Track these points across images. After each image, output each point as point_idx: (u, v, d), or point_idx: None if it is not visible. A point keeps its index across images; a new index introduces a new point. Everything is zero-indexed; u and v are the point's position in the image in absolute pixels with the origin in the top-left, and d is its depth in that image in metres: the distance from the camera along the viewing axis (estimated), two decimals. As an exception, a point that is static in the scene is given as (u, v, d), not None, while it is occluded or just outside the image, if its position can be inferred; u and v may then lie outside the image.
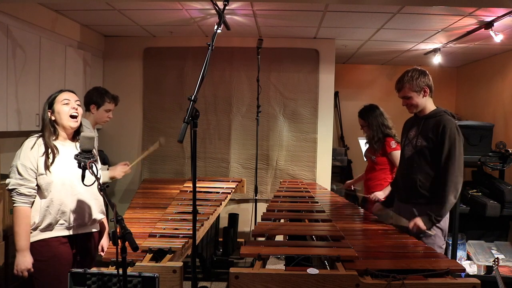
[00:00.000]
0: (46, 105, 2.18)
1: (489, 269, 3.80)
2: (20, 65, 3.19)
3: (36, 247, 2.11)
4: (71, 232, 2.19)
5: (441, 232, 2.52)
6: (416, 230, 2.45)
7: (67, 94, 2.21)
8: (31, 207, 2.11)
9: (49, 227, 2.13)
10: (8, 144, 3.37)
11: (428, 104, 2.61)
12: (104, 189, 1.70)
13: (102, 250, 2.36)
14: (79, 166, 1.82)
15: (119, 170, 3.08)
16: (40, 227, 2.11)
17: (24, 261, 2.06)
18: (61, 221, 2.14)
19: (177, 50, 4.73)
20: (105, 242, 2.39)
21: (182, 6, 3.46)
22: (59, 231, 2.16)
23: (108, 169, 3.13)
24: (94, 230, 2.33)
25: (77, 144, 2.18)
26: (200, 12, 3.63)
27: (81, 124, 2.25)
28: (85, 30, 4.25)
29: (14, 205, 2.08)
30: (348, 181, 4.06)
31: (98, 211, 2.29)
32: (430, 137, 2.51)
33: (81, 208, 2.19)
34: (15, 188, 2.06)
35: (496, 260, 3.34)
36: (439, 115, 2.54)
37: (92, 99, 3.07)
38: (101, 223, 2.39)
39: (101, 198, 2.31)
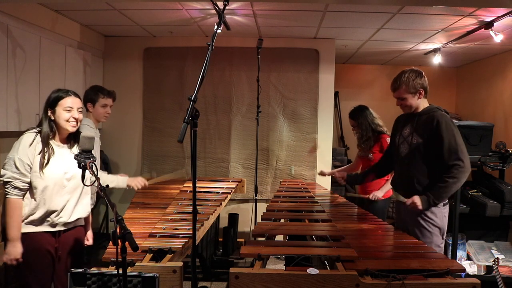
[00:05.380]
0: (48, 104, 2.18)
1: (489, 269, 3.80)
2: (20, 65, 3.19)
3: None
4: (54, 229, 2.22)
5: (438, 231, 2.52)
6: (412, 207, 2.48)
7: (72, 100, 2.19)
8: (23, 199, 2.15)
9: (34, 222, 2.17)
10: (8, 144, 3.36)
11: (423, 103, 2.63)
12: (104, 189, 1.70)
13: (88, 240, 2.49)
14: (79, 166, 1.82)
15: (137, 181, 3.02)
16: (25, 221, 2.16)
17: (14, 250, 2.11)
18: (47, 218, 2.18)
19: (177, 50, 4.73)
20: (89, 232, 2.51)
21: (182, 6, 3.46)
22: (43, 227, 2.19)
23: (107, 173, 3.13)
24: (78, 225, 2.36)
25: (71, 146, 2.27)
26: (200, 12, 3.63)
27: (78, 128, 2.27)
28: (85, 30, 4.25)
29: (7, 196, 2.11)
30: (323, 170, 3.91)
31: (84, 210, 2.35)
32: (426, 133, 2.52)
33: (68, 208, 2.24)
34: (11, 181, 2.10)
35: (496, 260, 3.34)
36: (432, 112, 2.55)
37: (87, 97, 3.08)
38: (85, 218, 2.44)
39: (89, 196, 2.40)
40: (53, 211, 2.18)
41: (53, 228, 2.22)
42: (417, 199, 2.46)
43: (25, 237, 2.16)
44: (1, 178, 2.13)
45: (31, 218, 2.16)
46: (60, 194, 2.19)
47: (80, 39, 4.15)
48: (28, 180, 2.13)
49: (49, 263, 2.19)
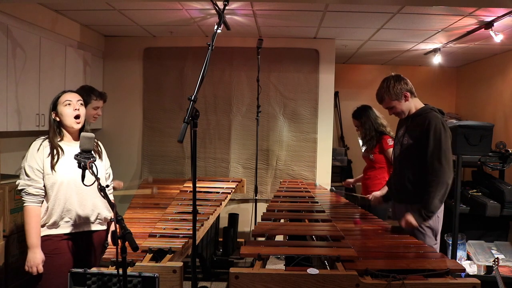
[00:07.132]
0: (50, 107, 2.25)
1: (489, 269, 3.80)
2: (20, 65, 3.19)
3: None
4: (75, 230, 2.24)
5: (431, 232, 2.50)
6: (407, 227, 2.45)
7: (69, 94, 2.27)
8: (41, 206, 2.19)
9: (55, 224, 2.19)
10: (8, 144, 3.37)
11: (416, 103, 2.62)
12: (104, 189, 1.70)
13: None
14: (79, 166, 1.82)
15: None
16: (47, 225, 2.19)
17: (34, 257, 2.13)
18: (66, 219, 2.20)
19: (177, 50, 4.73)
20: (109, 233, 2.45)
21: (182, 6, 3.46)
22: (64, 229, 2.21)
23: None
24: (100, 228, 2.35)
25: None
26: (200, 12, 3.63)
27: (85, 123, 2.30)
28: (85, 30, 4.25)
29: (24, 204, 2.17)
30: (348, 180, 4.07)
31: (105, 208, 2.33)
32: (416, 135, 2.51)
33: (87, 206, 2.25)
34: (24, 189, 2.16)
35: (496, 260, 3.34)
36: (426, 113, 2.54)
37: None
38: (108, 222, 2.43)
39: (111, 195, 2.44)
40: (69, 209, 2.19)
41: (73, 229, 2.23)
42: (410, 218, 2.41)
43: (46, 239, 2.17)
44: (17, 188, 2.19)
45: (51, 220, 2.18)
46: (76, 192, 2.20)
47: (80, 39, 4.15)
48: (41, 185, 2.16)
49: (69, 266, 2.16)
